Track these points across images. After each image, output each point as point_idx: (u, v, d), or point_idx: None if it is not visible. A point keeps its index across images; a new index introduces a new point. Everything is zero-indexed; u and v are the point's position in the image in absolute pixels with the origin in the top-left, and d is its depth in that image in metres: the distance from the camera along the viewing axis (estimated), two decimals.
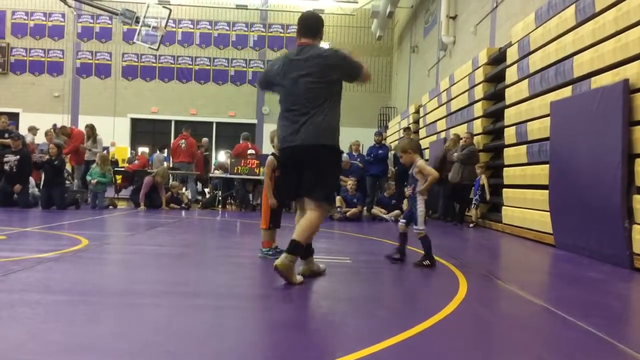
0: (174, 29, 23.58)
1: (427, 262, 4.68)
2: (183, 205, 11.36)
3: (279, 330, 2.77)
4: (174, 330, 2.63)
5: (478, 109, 10.23)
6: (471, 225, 9.34)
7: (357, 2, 22.56)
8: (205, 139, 15.66)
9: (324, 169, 3.89)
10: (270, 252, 4.78)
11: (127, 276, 4.08)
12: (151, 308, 3.04)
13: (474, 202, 9.32)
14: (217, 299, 3.35)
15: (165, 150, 18.11)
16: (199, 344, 2.42)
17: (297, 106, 3.86)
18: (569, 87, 6.55)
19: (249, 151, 14.31)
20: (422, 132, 14.56)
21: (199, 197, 12.48)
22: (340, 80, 3.96)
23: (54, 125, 13.13)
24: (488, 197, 9.08)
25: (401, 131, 17.10)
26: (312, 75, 3.83)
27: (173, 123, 24.54)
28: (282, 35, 24.82)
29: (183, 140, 12.70)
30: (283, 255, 3.68)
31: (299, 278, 3.77)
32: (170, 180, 11.83)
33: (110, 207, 10.55)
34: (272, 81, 4.10)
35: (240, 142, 12.57)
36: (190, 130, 13.23)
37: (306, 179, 3.89)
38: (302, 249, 3.78)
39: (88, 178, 10.50)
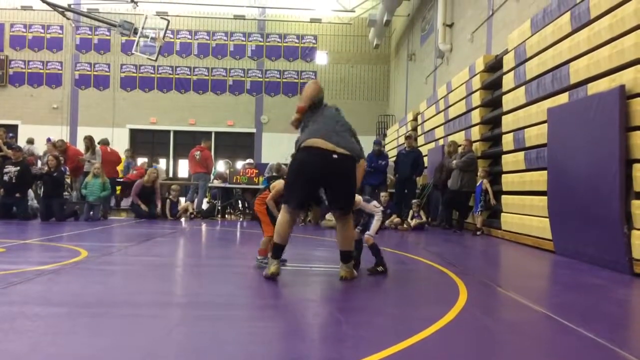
0: (172, 40, 23.64)
1: (380, 269, 4.66)
2: (189, 214, 11.42)
3: (279, 340, 2.77)
4: (174, 341, 2.63)
5: (475, 116, 10.26)
6: (478, 233, 9.11)
7: (354, 12, 22.63)
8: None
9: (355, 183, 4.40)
10: (265, 261, 4.80)
11: (127, 287, 4.08)
12: (151, 319, 3.04)
13: (479, 208, 9.22)
14: (217, 309, 3.34)
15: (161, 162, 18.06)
16: (199, 354, 2.42)
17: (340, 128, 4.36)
18: (566, 94, 6.58)
19: (248, 160, 14.35)
20: (421, 140, 14.59)
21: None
22: None
23: (48, 139, 13.19)
24: (493, 202, 9.02)
25: (400, 138, 17.16)
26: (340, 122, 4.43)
27: (172, 133, 24.56)
28: (280, 44, 24.90)
29: (198, 152, 12.55)
30: (345, 267, 4.31)
31: (355, 272, 4.42)
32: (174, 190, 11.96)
33: (102, 218, 10.50)
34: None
35: (100, 146, 12.18)
36: (209, 143, 13.26)
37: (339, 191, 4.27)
38: (352, 255, 4.40)
39: (83, 191, 10.48)
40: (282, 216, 4.25)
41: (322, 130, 4.21)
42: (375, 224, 4.69)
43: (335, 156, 4.09)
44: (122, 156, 14.19)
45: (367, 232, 4.68)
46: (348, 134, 4.36)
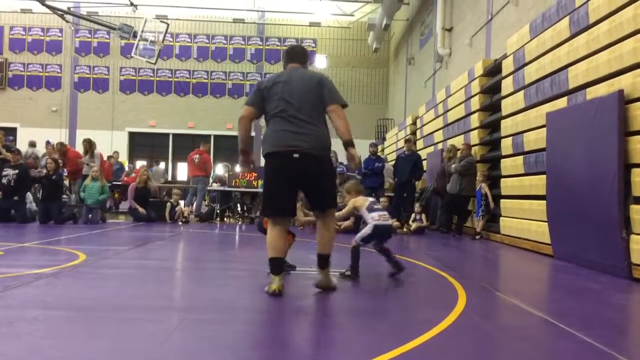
0: (171, 43, 23.65)
1: (348, 273, 4.62)
2: (182, 219, 11.40)
3: (278, 345, 2.76)
4: (172, 346, 2.62)
5: (474, 120, 10.27)
6: (477, 237, 9.11)
7: (353, 15, 22.70)
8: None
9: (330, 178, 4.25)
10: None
11: (125, 291, 4.07)
12: (150, 323, 3.03)
13: (480, 212, 9.18)
14: (216, 314, 3.34)
15: (162, 163, 18.10)
16: (198, 358, 2.41)
17: (300, 115, 3.97)
18: (565, 98, 6.59)
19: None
20: (420, 144, 14.61)
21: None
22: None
23: (48, 142, 13.23)
24: (492, 205, 9.02)
25: (399, 142, 17.18)
26: (312, 91, 4.05)
27: (171, 136, 24.57)
28: (279, 48, 24.94)
29: (197, 155, 12.48)
30: (322, 274, 4.07)
31: (334, 281, 4.21)
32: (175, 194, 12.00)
33: (100, 221, 10.48)
34: (265, 94, 4.08)
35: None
36: (208, 146, 13.26)
37: (317, 191, 4.06)
38: (330, 260, 4.14)
39: (81, 194, 10.48)
40: (270, 229, 3.99)
41: (281, 135, 3.96)
42: (364, 232, 4.68)
43: (295, 155, 3.88)
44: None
45: (355, 237, 4.69)
46: (318, 117, 4.03)
